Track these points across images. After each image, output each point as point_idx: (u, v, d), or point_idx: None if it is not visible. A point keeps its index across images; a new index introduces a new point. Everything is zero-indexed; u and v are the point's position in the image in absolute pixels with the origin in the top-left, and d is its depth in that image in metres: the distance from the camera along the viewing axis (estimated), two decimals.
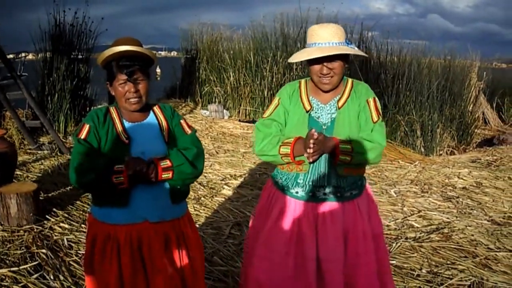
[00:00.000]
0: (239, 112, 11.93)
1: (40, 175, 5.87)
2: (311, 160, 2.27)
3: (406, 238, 4.41)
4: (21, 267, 3.55)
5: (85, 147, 2.19)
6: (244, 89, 11.87)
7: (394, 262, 3.92)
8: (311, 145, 2.18)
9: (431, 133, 8.83)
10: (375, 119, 2.42)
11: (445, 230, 4.61)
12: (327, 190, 2.44)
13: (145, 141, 2.28)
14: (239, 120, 11.23)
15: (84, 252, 2.48)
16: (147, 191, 2.23)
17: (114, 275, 2.23)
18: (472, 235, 4.52)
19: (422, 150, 8.78)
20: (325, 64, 2.32)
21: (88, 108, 9.66)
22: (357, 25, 10.42)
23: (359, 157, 2.33)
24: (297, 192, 2.48)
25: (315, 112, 2.46)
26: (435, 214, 5.05)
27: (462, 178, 6.55)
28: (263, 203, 2.63)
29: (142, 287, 2.25)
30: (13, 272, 3.49)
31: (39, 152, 6.89)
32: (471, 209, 5.31)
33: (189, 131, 2.37)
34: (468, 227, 4.70)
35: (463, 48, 11.72)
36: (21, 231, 4.21)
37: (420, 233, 4.53)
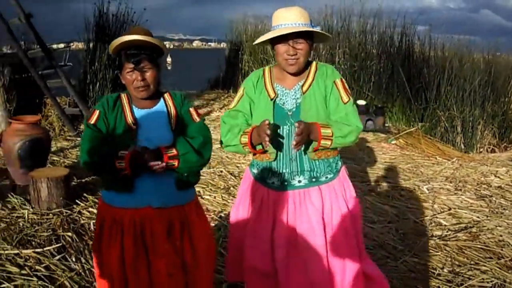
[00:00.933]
0: None
1: (76, 161, 6.03)
2: (295, 150, 2.30)
3: (432, 236, 4.33)
4: (45, 249, 3.68)
5: (93, 132, 2.26)
6: None
7: (416, 259, 3.87)
8: (268, 134, 2.21)
9: (471, 130, 8.60)
10: (345, 99, 2.42)
11: (474, 230, 4.49)
12: (302, 177, 2.46)
13: (152, 127, 2.32)
14: None
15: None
16: (151, 177, 2.27)
17: (116, 257, 2.29)
18: (501, 235, 4.39)
19: (462, 146, 8.56)
20: (291, 44, 2.33)
21: None
22: (400, 18, 10.23)
23: (339, 140, 2.36)
24: (273, 182, 2.50)
25: (280, 99, 2.47)
26: (465, 213, 4.93)
27: (498, 177, 6.35)
28: (243, 193, 2.66)
29: (143, 270, 2.30)
30: (37, 253, 3.62)
31: (78, 139, 7.09)
32: (504, 208, 5.15)
33: (197, 119, 2.40)
34: (498, 227, 4.56)
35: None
36: (50, 214, 4.35)
37: (447, 231, 4.44)
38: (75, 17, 8.91)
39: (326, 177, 2.49)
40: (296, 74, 2.44)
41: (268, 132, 2.21)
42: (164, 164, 2.20)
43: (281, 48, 2.36)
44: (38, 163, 4.80)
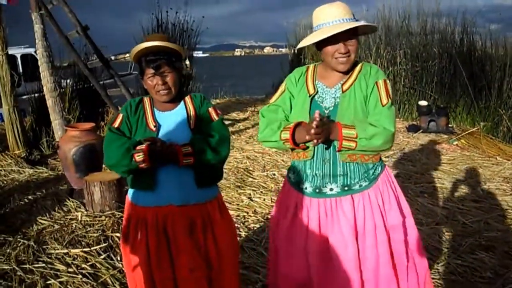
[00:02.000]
0: None
1: None
2: (315, 142, 2.21)
3: (479, 238, 4.19)
4: (92, 248, 3.88)
5: (115, 135, 2.38)
6: None
7: (459, 261, 3.77)
8: (314, 126, 2.14)
9: None
10: (384, 101, 2.28)
11: None
12: (334, 184, 2.36)
13: (172, 128, 2.41)
14: None
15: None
16: (172, 176, 2.36)
17: (143, 254, 2.39)
18: None
19: None
20: (342, 42, 2.24)
21: None
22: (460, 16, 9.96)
23: (364, 143, 2.23)
24: (306, 188, 2.42)
25: (319, 96, 2.39)
26: None
27: None
28: (282, 197, 2.61)
29: (167, 265, 2.38)
30: (85, 252, 3.82)
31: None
32: None
33: (216, 118, 2.47)
34: None
35: None
36: (103, 216, 4.57)
37: (496, 233, 4.29)
38: (133, 29, 9.22)
39: (360, 185, 2.37)
40: (345, 72, 2.36)
41: (316, 124, 2.14)
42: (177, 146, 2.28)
43: (331, 48, 2.28)
44: (92, 167, 5.04)
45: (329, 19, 2.25)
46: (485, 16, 10.25)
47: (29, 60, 11.83)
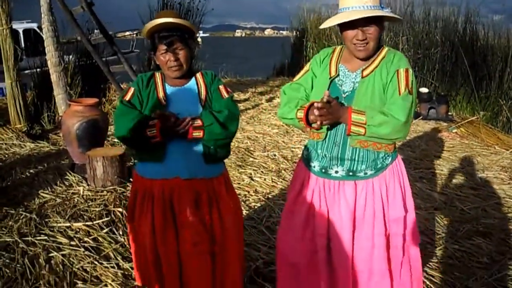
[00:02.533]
0: None
1: None
2: (318, 124, 2.22)
3: (477, 224, 4.25)
4: (94, 222, 3.91)
5: (126, 107, 2.41)
6: None
7: (456, 246, 3.83)
8: (317, 106, 2.16)
9: None
10: (402, 90, 2.24)
11: None
12: (340, 167, 2.37)
13: (182, 103, 2.44)
14: None
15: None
16: (181, 149, 2.40)
17: (148, 226, 2.45)
18: None
19: None
20: (360, 28, 2.22)
21: None
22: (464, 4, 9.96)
23: (373, 130, 2.20)
24: (314, 166, 2.44)
25: (340, 79, 2.38)
26: None
27: None
28: (295, 173, 2.64)
29: (171, 238, 2.44)
30: (87, 226, 3.86)
31: None
32: None
33: (226, 95, 2.50)
34: None
35: None
36: (104, 191, 4.60)
37: (493, 220, 4.34)
38: (139, 6, 9.23)
39: (365, 173, 2.37)
40: (365, 59, 2.34)
41: (320, 105, 2.17)
42: (189, 121, 2.31)
43: (350, 33, 2.25)
44: (94, 143, 5.06)
45: (351, 4, 2.22)
46: (488, 6, 10.23)
47: (31, 35, 11.82)
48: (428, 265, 3.53)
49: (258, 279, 3.26)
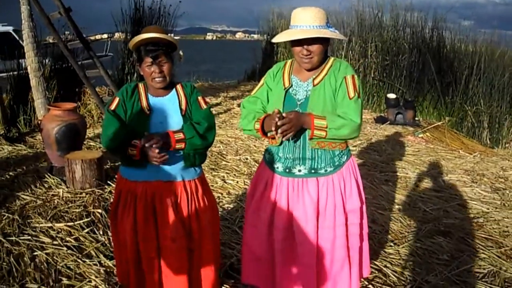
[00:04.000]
0: None
1: None
2: (283, 139, 2.48)
3: (438, 224, 4.52)
4: (76, 222, 4.07)
5: (113, 117, 2.60)
6: None
7: (418, 244, 4.08)
8: (276, 124, 2.39)
9: (498, 125, 8.66)
10: (351, 95, 2.51)
11: (480, 220, 4.67)
12: (302, 166, 2.64)
13: (164, 113, 2.65)
14: None
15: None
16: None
17: (130, 223, 2.65)
18: (507, 226, 4.54)
19: (488, 142, 8.63)
20: (305, 46, 2.48)
21: None
22: (431, 12, 10.31)
23: (334, 132, 2.47)
24: (277, 167, 2.71)
25: (293, 89, 2.65)
26: (475, 204, 5.10)
27: None
28: (256, 175, 2.89)
29: (152, 235, 2.64)
30: (69, 226, 4.01)
31: None
32: None
33: (204, 106, 2.71)
34: (505, 219, 4.72)
35: None
36: (83, 193, 4.74)
37: (454, 220, 4.63)
38: (114, 10, 9.35)
39: (325, 170, 2.64)
40: (311, 70, 2.62)
41: (277, 121, 2.40)
42: (165, 157, 2.51)
43: (297, 49, 2.52)
44: (73, 146, 5.20)
45: (299, 23, 2.48)
46: (458, 11, 10.60)
47: (7, 38, 11.82)
48: (391, 261, 3.79)
49: (234, 273, 3.48)
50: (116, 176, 4.64)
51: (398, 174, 6.10)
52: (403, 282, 3.50)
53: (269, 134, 2.61)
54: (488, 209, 5.00)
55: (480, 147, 8.24)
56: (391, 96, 9.81)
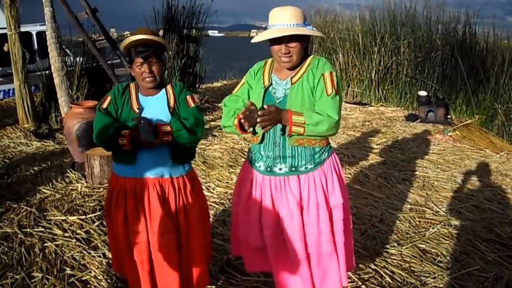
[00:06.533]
0: (346, 93, 12.06)
1: None
2: (263, 130, 2.48)
3: (449, 225, 4.48)
4: (87, 216, 4.25)
5: (103, 115, 2.74)
6: (352, 71, 12.00)
7: (423, 246, 4.06)
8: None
9: None
10: (329, 92, 2.53)
11: (493, 222, 4.60)
12: (283, 165, 2.69)
13: (154, 111, 2.75)
14: (346, 102, 11.37)
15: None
16: (150, 152, 2.71)
17: (122, 218, 2.77)
18: None
19: None
20: (284, 44, 2.52)
21: (197, 85, 10.51)
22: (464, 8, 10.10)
23: (311, 128, 2.49)
24: (259, 166, 2.77)
25: (273, 88, 2.70)
26: (490, 205, 5.01)
27: None
28: (242, 174, 2.96)
29: (142, 229, 2.75)
30: (81, 219, 4.20)
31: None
32: None
33: (192, 105, 2.80)
34: None
35: None
36: (101, 188, 4.94)
37: (465, 222, 4.57)
38: (144, 9, 9.57)
39: (306, 167, 2.68)
40: (291, 68, 2.67)
41: (245, 111, 2.45)
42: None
43: (276, 47, 2.57)
44: (93, 143, 5.34)
45: (276, 22, 2.53)
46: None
47: (44, 37, 12.17)
48: (391, 262, 3.78)
49: (229, 269, 3.57)
50: None
51: (417, 173, 6.05)
52: (398, 284, 3.50)
53: (248, 130, 2.61)
54: (503, 211, 4.91)
55: (509, 146, 8.04)
56: (422, 93, 9.69)
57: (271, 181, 2.75)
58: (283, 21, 2.52)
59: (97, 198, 4.68)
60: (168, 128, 2.65)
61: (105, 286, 3.32)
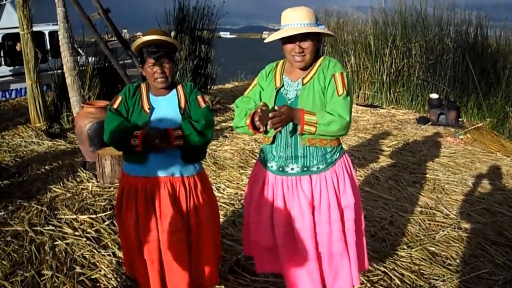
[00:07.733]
0: (358, 96, 12.04)
1: None
2: (274, 132, 2.52)
3: (459, 228, 4.46)
4: (98, 215, 4.28)
5: (114, 115, 2.76)
6: (364, 73, 11.98)
7: (433, 248, 4.05)
8: (258, 118, 2.44)
9: None
10: (340, 92, 2.55)
11: (502, 225, 4.57)
12: (295, 165, 2.70)
13: (164, 111, 2.77)
14: (357, 104, 11.35)
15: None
16: (161, 153, 2.72)
17: (133, 217, 2.79)
18: None
19: None
20: (297, 43, 2.55)
21: (209, 86, 10.53)
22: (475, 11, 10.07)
23: (323, 128, 2.50)
24: (272, 166, 2.78)
25: (284, 89, 2.71)
26: (501, 209, 4.99)
27: None
28: (253, 174, 2.97)
29: (153, 228, 2.77)
30: (92, 218, 4.23)
31: None
32: None
33: (203, 105, 2.82)
34: None
35: None
36: (112, 187, 4.97)
37: (475, 225, 4.55)
38: (156, 10, 9.62)
39: (318, 168, 2.69)
40: (303, 69, 2.69)
41: (259, 111, 2.46)
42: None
43: (289, 46, 2.58)
44: (105, 142, 5.38)
45: (289, 22, 2.56)
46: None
47: (56, 37, 12.29)
48: (401, 265, 3.78)
49: (238, 269, 3.59)
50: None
51: (427, 176, 6.03)
52: (407, 286, 3.49)
53: (260, 129, 2.60)
54: None
55: None
56: (434, 96, 9.66)
57: (283, 181, 2.76)
58: (296, 20, 2.54)
59: (108, 198, 4.71)
60: (180, 132, 2.66)
61: (114, 285, 3.34)
